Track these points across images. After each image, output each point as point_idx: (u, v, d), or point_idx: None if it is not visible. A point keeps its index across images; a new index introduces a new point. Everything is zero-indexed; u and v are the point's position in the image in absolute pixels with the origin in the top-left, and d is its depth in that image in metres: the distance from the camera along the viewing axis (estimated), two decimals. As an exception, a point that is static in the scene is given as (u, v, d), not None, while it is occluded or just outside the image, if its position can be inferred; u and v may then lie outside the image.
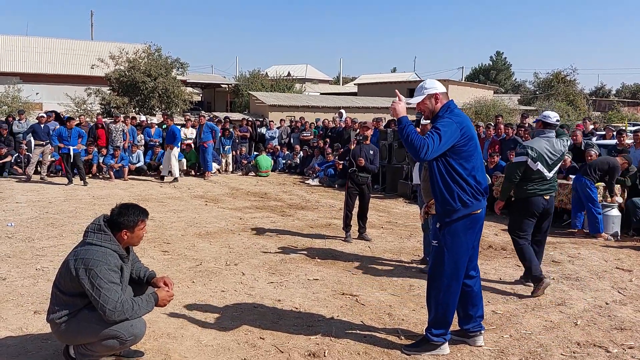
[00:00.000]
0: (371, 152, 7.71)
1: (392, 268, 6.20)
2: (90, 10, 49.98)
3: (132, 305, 3.28)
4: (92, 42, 40.25)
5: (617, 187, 8.44)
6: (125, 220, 3.39)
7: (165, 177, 13.92)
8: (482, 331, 4.07)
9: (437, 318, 3.87)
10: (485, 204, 3.88)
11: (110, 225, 3.40)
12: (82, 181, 12.77)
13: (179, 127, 14.77)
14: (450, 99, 3.88)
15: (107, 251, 3.30)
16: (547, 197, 5.40)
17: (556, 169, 5.48)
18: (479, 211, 3.79)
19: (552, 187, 5.44)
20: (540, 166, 5.34)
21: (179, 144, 14.07)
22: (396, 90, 4.10)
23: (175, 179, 13.69)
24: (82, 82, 29.19)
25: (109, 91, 25.24)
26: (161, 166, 14.35)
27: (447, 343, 3.90)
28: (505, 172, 5.83)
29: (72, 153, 12.70)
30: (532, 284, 5.34)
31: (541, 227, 5.60)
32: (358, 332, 4.27)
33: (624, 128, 12.80)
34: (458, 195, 3.72)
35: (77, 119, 15.65)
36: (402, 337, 4.17)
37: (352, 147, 7.80)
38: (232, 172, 16.20)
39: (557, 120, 5.55)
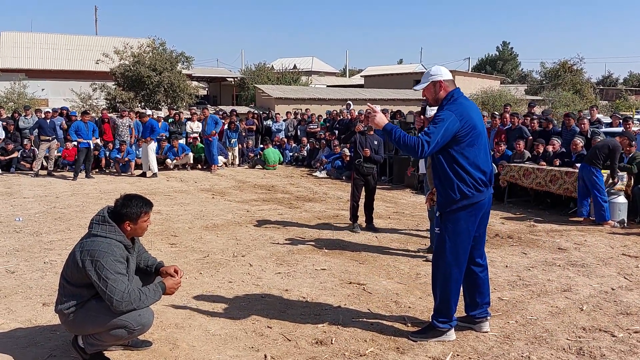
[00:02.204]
0: (376, 142, 7.70)
1: (399, 257, 6.22)
2: (94, 6, 50.30)
3: (139, 296, 3.31)
4: (97, 37, 40.37)
5: (624, 174, 8.40)
6: (128, 211, 3.40)
7: (147, 173, 13.62)
8: (488, 317, 4.08)
9: (441, 305, 3.89)
10: (491, 192, 3.85)
11: (113, 216, 3.42)
12: (86, 175, 12.84)
13: (156, 119, 14.72)
14: (456, 87, 3.85)
15: (112, 242, 3.32)
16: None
17: None
18: (481, 198, 3.77)
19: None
20: None
21: (156, 138, 13.95)
22: (368, 104, 4.05)
23: (154, 174, 13.44)
24: (87, 78, 29.35)
25: (114, 86, 25.33)
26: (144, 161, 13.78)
27: (453, 329, 3.92)
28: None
29: (92, 146, 12.80)
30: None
31: None
32: (365, 320, 4.30)
33: (630, 116, 12.71)
34: (458, 187, 3.70)
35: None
36: (409, 324, 4.19)
37: (357, 129, 7.71)
38: (238, 165, 16.24)
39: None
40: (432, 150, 3.60)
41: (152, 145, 13.62)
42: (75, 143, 12.83)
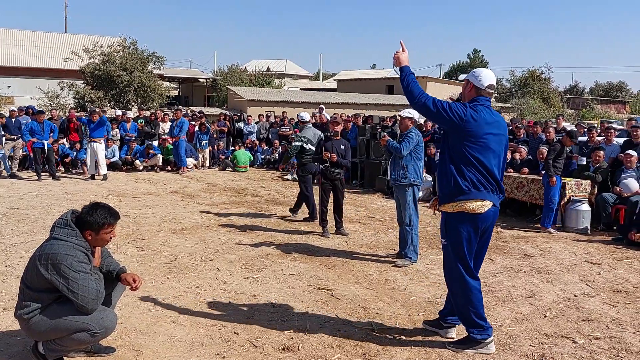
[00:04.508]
0: (342, 147, 7.71)
1: (368, 262, 6.24)
2: (64, 2, 48.97)
3: (102, 288, 3.33)
4: (66, 34, 39.59)
5: (587, 182, 8.62)
6: (91, 220, 3.32)
7: (95, 176, 12.80)
8: (457, 325, 4.10)
9: (465, 318, 3.84)
10: (495, 200, 3.74)
11: (77, 222, 3.34)
12: (52, 176, 12.53)
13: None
14: (487, 97, 3.81)
15: (72, 245, 3.25)
16: (316, 164, 8.13)
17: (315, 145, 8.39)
18: (481, 208, 3.68)
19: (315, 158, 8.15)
20: (309, 146, 8.38)
21: (104, 136, 13.08)
22: (401, 41, 4.02)
23: (104, 177, 12.72)
24: (55, 76, 28.73)
25: (83, 85, 24.86)
26: (94, 163, 12.79)
27: (492, 340, 3.85)
28: (289, 150, 8.74)
29: (46, 148, 12.46)
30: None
31: (312, 180, 8.67)
32: (332, 325, 4.29)
33: (595, 125, 13.06)
34: (455, 180, 3.71)
35: (49, 112, 15.39)
36: (376, 330, 4.20)
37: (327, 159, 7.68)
38: (209, 168, 16.09)
39: (308, 120, 8.95)
40: (427, 108, 3.69)
41: (102, 146, 12.91)
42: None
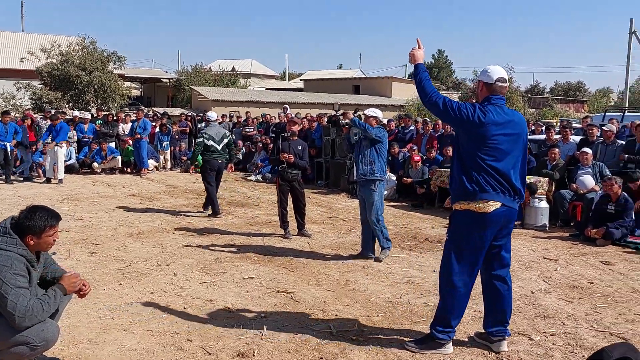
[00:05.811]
0: (300, 147, 7.60)
1: (329, 263, 6.17)
2: (21, 0, 47.47)
3: (41, 306, 3.08)
4: (23, 33, 38.42)
5: (545, 179, 8.77)
6: (30, 224, 3.15)
7: (51, 179, 12.46)
8: (507, 337, 3.91)
9: (441, 312, 3.81)
10: (506, 201, 3.62)
11: (16, 228, 3.17)
12: (6, 180, 12.06)
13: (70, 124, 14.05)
14: (500, 94, 3.70)
15: (12, 255, 3.07)
16: (220, 161, 8.97)
17: (223, 144, 8.96)
18: (487, 207, 3.59)
19: (221, 155, 9.00)
20: (212, 142, 8.81)
21: (65, 140, 12.84)
22: (417, 38, 3.92)
23: (59, 180, 12.37)
24: (10, 76, 27.77)
25: (40, 86, 24.13)
26: (49, 165, 12.60)
27: (450, 342, 3.82)
28: (195, 148, 9.14)
29: (9, 150, 11.99)
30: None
31: (219, 177, 9.15)
32: (290, 329, 4.21)
33: (553, 124, 13.35)
34: (461, 181, 3.64)
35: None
36: (335, 333, 4.13)
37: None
38: (170, 169, 15.78)
39: (215, 119, 9.48)
40: (437, 107, 3.65)
41: (64, 149, 12.69)
42: None
